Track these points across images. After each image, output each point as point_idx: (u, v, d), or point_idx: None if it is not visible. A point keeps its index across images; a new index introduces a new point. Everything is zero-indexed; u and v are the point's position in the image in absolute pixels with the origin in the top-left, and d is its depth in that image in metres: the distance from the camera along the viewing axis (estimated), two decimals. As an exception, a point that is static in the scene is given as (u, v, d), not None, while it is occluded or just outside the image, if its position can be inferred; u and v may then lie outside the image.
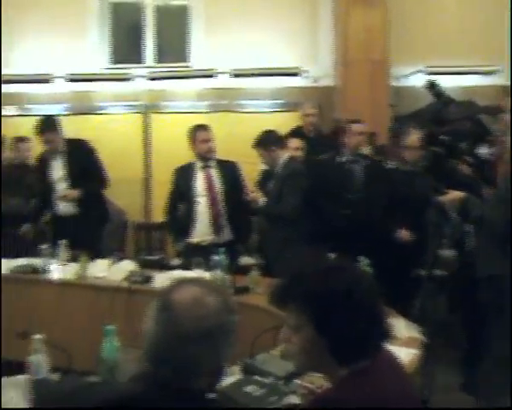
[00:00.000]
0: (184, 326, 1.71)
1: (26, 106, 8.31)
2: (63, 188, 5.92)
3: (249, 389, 2.70)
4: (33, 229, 6.24)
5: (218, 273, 4.44)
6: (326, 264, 1.95)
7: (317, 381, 2.59)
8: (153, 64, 8.40)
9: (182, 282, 1.85)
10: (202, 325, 1.71)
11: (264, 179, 5.68)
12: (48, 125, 5.88)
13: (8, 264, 5.20)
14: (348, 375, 1.81)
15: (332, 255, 2.29)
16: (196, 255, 5.08)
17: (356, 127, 5.69)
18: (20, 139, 6.86)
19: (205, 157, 5.54)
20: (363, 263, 3.74)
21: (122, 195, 7.12)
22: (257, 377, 2.83)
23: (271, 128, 5.70)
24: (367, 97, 7.10)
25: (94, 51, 8.31)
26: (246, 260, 5.60)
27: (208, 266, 4.67)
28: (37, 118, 6.05)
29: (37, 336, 2.73)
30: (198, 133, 5.53)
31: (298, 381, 2.74)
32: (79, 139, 6.11)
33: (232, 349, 1.80)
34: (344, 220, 5.23)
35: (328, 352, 1.81)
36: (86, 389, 1.84)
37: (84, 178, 5.91)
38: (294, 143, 5.99)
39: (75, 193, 5.88)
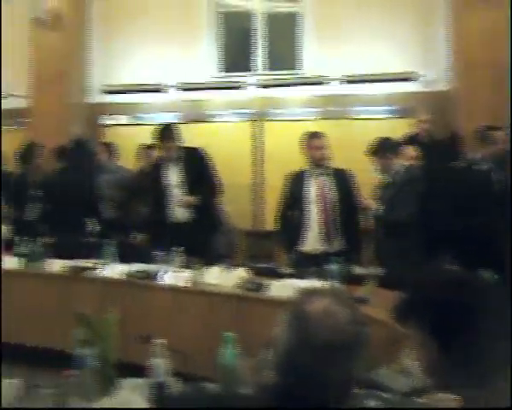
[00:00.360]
0: (317, 338, 1.66)
1: (139, 115, 8.53)
2: (179, 194, 5.98)
3: (369, 403, 2.61)
4: (148, 235, 6.33)
5: (333, 283, 4.36)
6: (450, 277, 1.85)
7: (442, 400, 2.46)
8: (263, 72, 8.42)
9: (312, 292, 1.81)
10: (334, 337, 1.67)
11: (382, 188, 5.53)
12: (168, 132, 5.97)
13: (124, 269, 5.31)
14: (478, 395, 1.69)
15: (454, 267, 2.17)
16: (307, 264, 5.04)
17: (498, 135, 5.45)
18: (149, 146, 6.95)
19: (317, 164, 5.47)
20: (488, 277, 3.55)
21: (232, 202, 7.12)
22: (376, 392, 2.73)
23: (384, 135, 5.57)
24: (488, 101, 6.80)
25: (205, 60, 8.45)
26: (359, 269, 5.47)
27: (321, 276, 4.58)
28: (157, 126, 6.16)
29: (159, 341, 2.77)
30: (311, 140, 5.48)
31: (419, 399, 2.61)
32: (194, 147, 6.16)
33: (362, 362, 1.73)
34: (479, 230, 4.99)
35: (455, 370, 1.71)
36: (214, 399, 1.82)
37: (198, 185, 5.95)
38: (410, 150, 5.84)
39: (192, 199, 5.92)
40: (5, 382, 2.95)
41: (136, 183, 6.77)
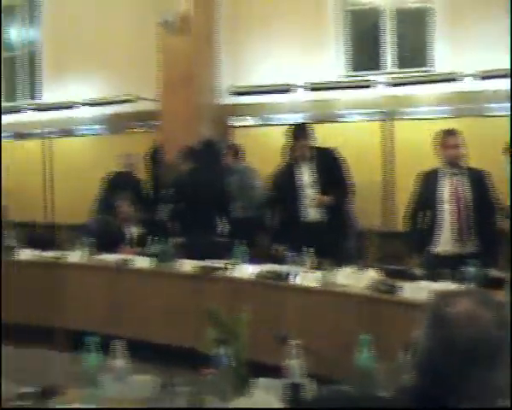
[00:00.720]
0: (461, 340, 1.59)
1: (267, 116, 8.58)
2: (311, 194, 5.96)
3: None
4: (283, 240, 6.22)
5: (469, 286, 4.20)
6: None
7: None
8: (392, 69, 8.25)
9: (454, 294, 1.75)
10: (476, 341, 1.59)
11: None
12: (301, 132, 5.99)
13: (255, 269, 5.35)
14: None
15: None
16: (439, 266, 4.89)
17: None
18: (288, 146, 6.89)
19: (452, 163, 5.30)
20: None
21: (362, 202, 7.02)
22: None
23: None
24: None
25: (333, 59, 8.39)
26: (496, 272, 5.23)
27: (455, 278, 4.42)
28: (290, 125, 6.21)
29: (295, 342, 2.78)
30: (446, 138, 5.32)
31: None
32: (327, 147, 6.17)
33: (506, 369, 1.61)
34: None
35: None
36: (351, 402, 1.78)
37: (331, 186, 5.92)
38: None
39: (326, 198, 5.90)
40: (140, 379, 3.03)
41: (274, 182, 6.76)
